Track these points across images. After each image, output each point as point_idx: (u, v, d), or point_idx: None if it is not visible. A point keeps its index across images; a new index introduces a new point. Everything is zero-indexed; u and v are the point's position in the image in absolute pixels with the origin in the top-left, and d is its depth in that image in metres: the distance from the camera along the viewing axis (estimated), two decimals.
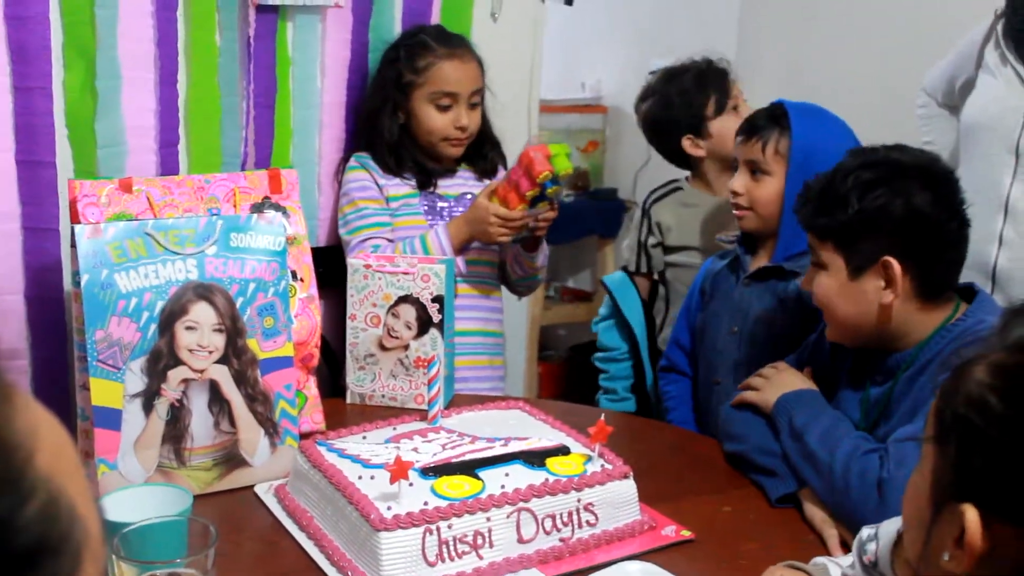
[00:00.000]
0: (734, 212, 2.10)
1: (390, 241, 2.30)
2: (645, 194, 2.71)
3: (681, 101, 2.55)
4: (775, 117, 2.04)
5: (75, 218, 1.73)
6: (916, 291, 1.60)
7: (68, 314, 1.99)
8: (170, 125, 2.13)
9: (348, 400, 2.07)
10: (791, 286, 2.00)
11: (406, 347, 2.03)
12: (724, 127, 2.46)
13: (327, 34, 2.33)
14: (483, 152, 2.44)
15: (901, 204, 1.57)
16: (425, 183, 2.36)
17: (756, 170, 2.05)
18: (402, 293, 2.02)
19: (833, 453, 1.58)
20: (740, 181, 2.07)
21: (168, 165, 2.13)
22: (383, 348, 2.04)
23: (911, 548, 0.96)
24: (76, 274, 1.61)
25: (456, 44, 2.35)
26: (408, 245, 2.27)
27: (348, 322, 2.06)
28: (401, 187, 2.36)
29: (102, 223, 1.65)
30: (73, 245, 1.60)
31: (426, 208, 2.36)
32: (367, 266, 2.03)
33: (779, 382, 1.78)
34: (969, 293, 1.66)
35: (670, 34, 4.10)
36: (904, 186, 1.58)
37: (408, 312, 2.02)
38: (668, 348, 2.31)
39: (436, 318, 2.01)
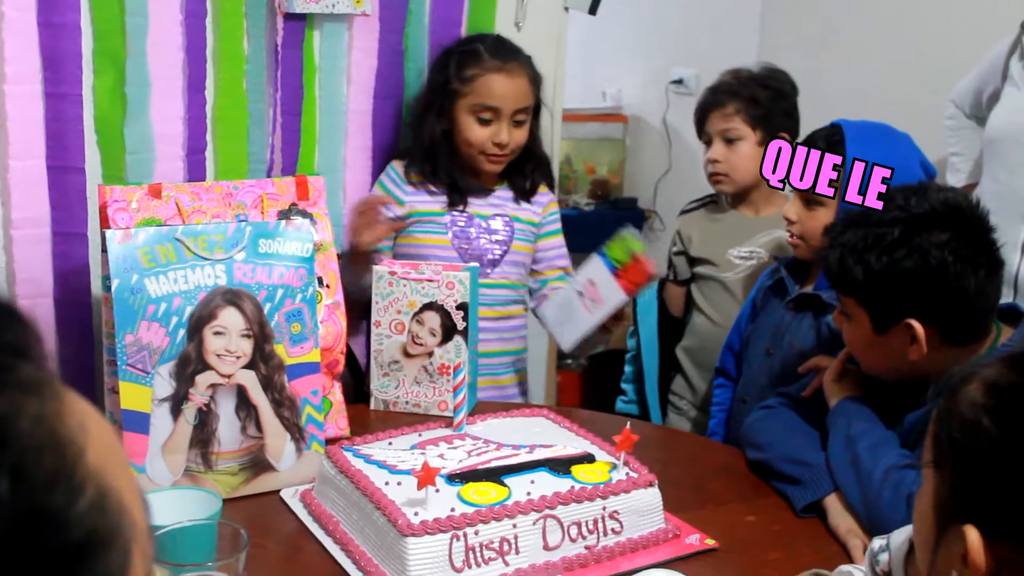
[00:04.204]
0: (788, 241, 2.08)
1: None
2: (665, 203, 2.73)
3: None
4: (831, 143, 1.95)
5: (105, 223, 1.75)
6: (945, 340, 1.56)
7: (96, 318, 2.01)
8: (198, 131, 2.15)
9: (372, 406, 2.08)
10: (827, 318, 1.95)
11: (430, 354, 2.04)
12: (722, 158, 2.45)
13: (354, 42, 2.34)
14: (524, 171, 2.38)
15: (920, 264, 1.52)
16: (455, 200, 2.32)
17: (809, 200, 1.98)
18: (427, 300, 2.03)
19: (877, 463, 1.57)
20: (794, 210, 2.01)
21: (195, 171, 2.15)
22: (407, 355, 2.05)
23: (922, 567, 0.97)
24: (106, 279, 1.63)
25: (509, 58, 2.28)
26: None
27: (373, 328, 2.07)
28: (429, 203, 2.32)
29: (132, 228, 1.66)
30: (104, 250, 1.62)
31: (452, 225, 2.31)
32: (392, 272, 2.04)
33: (848, 382, 1.76)
34: (1014, 315, 1.63)
35: (691, 44, 4.11)
36: (923, 242, 1.52)
37: (432, 319, 2.03)
38: (722, 352, 2.30)
39: (460, 325, 2.02)
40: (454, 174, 2.32)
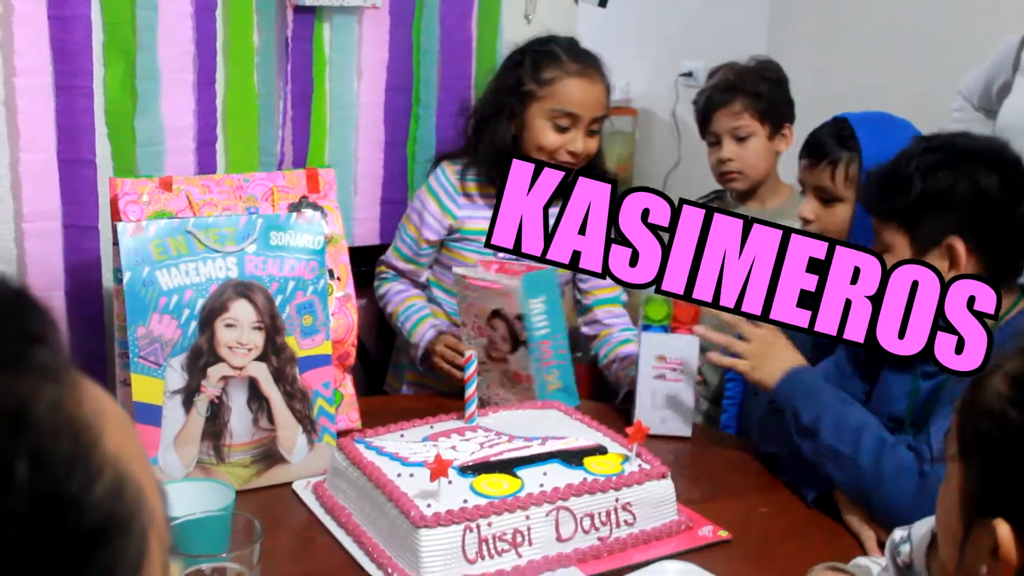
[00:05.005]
0: None
1: (405, 287, 2.28)
2: (674, 196, 2.70)
3: None
4: (842, 138, 1.94)
5: (116, 216, 1.75)
6: (979, 271, 1.57)
7: (107, 311, 2.01)
8: (208, 124, 2.15)
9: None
10: None
11: (505, 360, 1.97)
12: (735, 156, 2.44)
13: (364, 35, 2.34)
14: None
15: (966, 184, 1.56)
16: None
17: (826, 197, 1.96)
18: (494, 307, 1.93)
19: (857, 447, 1.57)
20: (810, 208, 1.99)
21: (206, 164, 2.15)
22: (491, 358, 1.99)
23: (949, 563, 0.96)
24: (118, 271, 1.63)
25: (588, 62, 2.19)
26: (403, 314, 2.23)
27: (462, 329, 2.03)
28: (478, 220, 2.23)
29: (144, 221, 1.66)
30: (115, 243, 1.62)
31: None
32: (465, 277, 1.97)
33: (771, 357, 1.75)
34: None
35: (700, 37, 4.10)
36: (969, 168, 1.57)
37: (501, 327, 1.94)
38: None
39: (522, 335, 1.91)
40: None
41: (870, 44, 3.31)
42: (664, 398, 1.91)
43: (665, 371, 1.91)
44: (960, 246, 1.56)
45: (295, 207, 1.89)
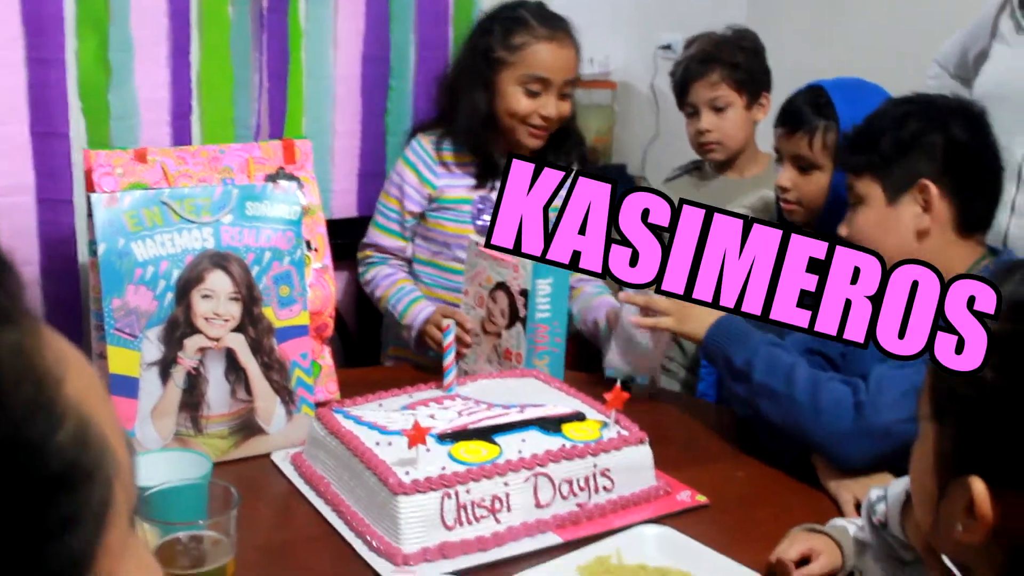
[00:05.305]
0: (782, 206, 2.06)
1: (393, 270, 2.26)
2: (654, 169, 2.71)
3: None
4: (818, 106, 1.94)
5: (90, 188, 1.73)
6: (952, 220, 1.63)
7: (83, 285, 2.00)
8: (183, 97, 2.14)
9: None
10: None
11: (500, 335, 1.96)
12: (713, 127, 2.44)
13: (340, 5, 2.33)
14: (562, 149, 2.26)
15: (937, 133, 1.62)
16: (484, 180, 2.23)
17: (804, 165, 1.97)
18: (500, 279, 1.94)
19: (791, 383, 1.62)
20: (787, 176, 2.00)
21: (181, 136, 2.14)
22: (484, 331, 1.98)
23: (923, 523, 0.96)
24: (92, 243, 1.62)
25: (557, 26, 2.18)
26: (394, 297, 2.21)
27: (463, 297, 2.04)
28: (455, 187, 2.25)
29: (118, 192, 1.65)
30: (89, 214, 1.61)
31: (479, 213, 2.23)
32: (478, 244, 1.97)
33: (694, 310, 1.78)
34: (994, 253, 1.69)
35: (678, 9, 4.08)
36: (940, 118, 1.63)
37: (502, 300, 1.94)
38: None
39: (522, 312, 1.90)
40: (490, 148, 2.21)
41: (849, 13, 3.30)
42: (636, 347, 1.93)
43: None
44: (933, 188, 1.60)
45: (271, 178, 1.88)
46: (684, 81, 2.46)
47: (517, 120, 2.17)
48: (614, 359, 1.96)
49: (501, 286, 1.93)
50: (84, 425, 0.49)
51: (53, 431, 0.47)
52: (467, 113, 2.20)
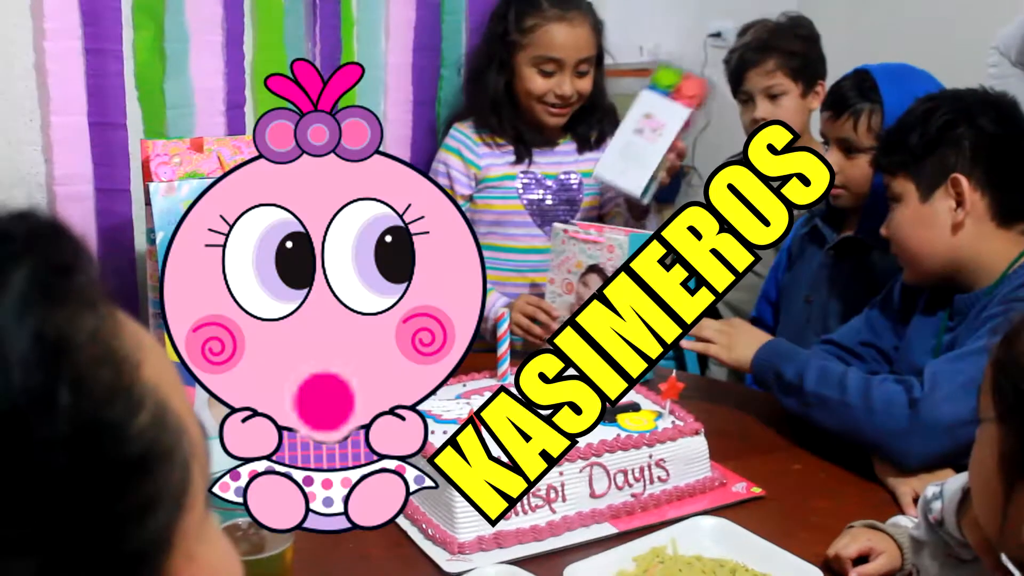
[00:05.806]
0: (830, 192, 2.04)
1: None
2: (704, 158, 2.70)
3: None
4: (863, 90, 1.94)
5: (148, 177, 1.74)
6: (988, 211, 1.61)
7: (140, 273, 2.02)
8: (237, 86, 2.15)
9: None
10: (869, 260, 1.99)
11: None
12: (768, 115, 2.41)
13: None
14: (590, 122, 2.30)
15: (964, 125, 1.61)
16: (522, 154, 2.27)
17: (849, 148, 1.97)
18: (592, 262, 1.96)
19: (843, 388, 1.60)
20: (833, 160, 1.94)
21: (235, 126, 2.15)
22: None
23: (987, 526, 0.94)
24: (151, 232, 1.63)
25: (569, 6, 2.21)
26: None
27: (547, 286, 2.06)
28: (499, 165, 2.28)
29: (176, 181, 1.66)
30: (147, 203, 1.62)
31: (525, 191, 2.27)
32: (565, 231, 2.00)
33: (742, 336, 1.81)
34: None
35: None
36: (967, 109, 1.62)
37: (595, 283, 1.95)
38: (758, 301, 2.32)
39: None
40: (519, 127, 2.27)
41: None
42: (633, 152, 1.97)
43: (646, 128, 1.98)
44: (964, 182, 1.59)
45: None
46: (739, 69, 2.44)
47: (535, 100, 2.23)
48: (607, 159, 2.00)
49: (594, 268, 1.95)
50: (162, 408, 0.49)
51: (133, 415, 0.47)
52: (486, 94, 2.26)
